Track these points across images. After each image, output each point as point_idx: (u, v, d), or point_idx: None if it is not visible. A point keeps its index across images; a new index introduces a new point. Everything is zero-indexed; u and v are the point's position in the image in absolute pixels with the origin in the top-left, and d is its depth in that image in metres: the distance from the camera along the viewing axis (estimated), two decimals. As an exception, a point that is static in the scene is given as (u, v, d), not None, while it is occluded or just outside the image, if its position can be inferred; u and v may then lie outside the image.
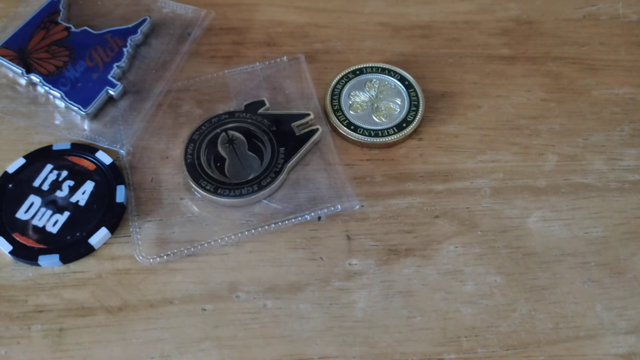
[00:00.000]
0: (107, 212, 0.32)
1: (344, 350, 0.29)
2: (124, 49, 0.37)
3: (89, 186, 0.33)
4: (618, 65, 0.39)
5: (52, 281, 0.31)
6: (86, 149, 0.34)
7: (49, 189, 0.33)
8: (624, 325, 0.30)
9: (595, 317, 0.30)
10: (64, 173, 0.33)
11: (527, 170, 0.35)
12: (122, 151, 0.34)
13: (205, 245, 0.32)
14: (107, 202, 0.33)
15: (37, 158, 0.34)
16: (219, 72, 0.37)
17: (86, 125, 0.35)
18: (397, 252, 0.32)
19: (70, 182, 0.33)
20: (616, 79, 0.38)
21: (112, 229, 0.32)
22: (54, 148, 0.34)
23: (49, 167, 0.34)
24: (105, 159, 0.34)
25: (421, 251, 0.32)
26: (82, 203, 0.33)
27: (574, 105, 0.37)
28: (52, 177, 0.33)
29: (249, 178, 0.33)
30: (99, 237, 0.31)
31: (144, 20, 0.38)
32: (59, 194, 0.33)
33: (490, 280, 0.31)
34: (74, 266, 0.31)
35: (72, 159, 0.34)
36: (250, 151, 0.35)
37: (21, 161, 0.34)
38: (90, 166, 0.34)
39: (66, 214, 0.32)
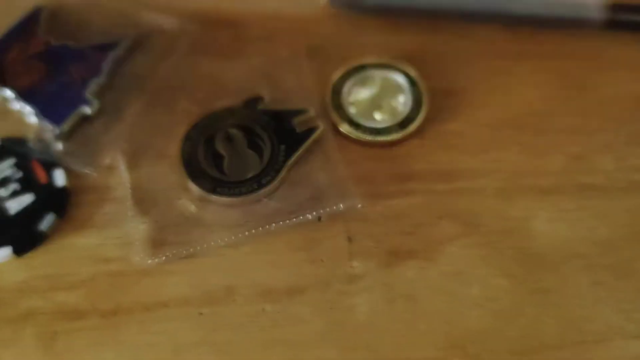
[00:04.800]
0: (20, 236, 0.30)
1: (345, 354, 0.29)
2: (104, 65, 0.35)
3: (27, 199, 0.31)
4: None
5: (44, 283, 0.30)
6: (49, 161, 0.32)
7: None
8: (633, 329, 0.30)
9: (603, 321, 0.30)
10: (19, 174, 0.32)
11: (532, 170, 0.34)
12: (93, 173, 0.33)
13: (204, 246, 0.31)
14: (28, 226, 0.30)
15: (9, 146, 0.33)
16: (216, 68, 0.36)
17: (58, 144, 0.33)
18: (399, 254, 0.31)
19: (17, 186, 0.32)
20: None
21: (18, 252, 0.30)
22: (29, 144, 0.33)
23: (12, 161, 0.32)
24: (59, 179, 0.32)
25: (424, 253, 0.31)
26: (11, 212, 0.31)
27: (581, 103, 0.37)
28: (8, 172, 0.32)
29: (249, 176, 0.32)
30: None
31: (126, 36, 0.36)
32: (1, 191, 0.32)
33: (494, 283, 0.31)
34: (67, 268, 0.30)
35: (35, 164, 0.32)
36: (249, 148, 0.34)
37: None
38: (43, 179, 0.32)
39: None
